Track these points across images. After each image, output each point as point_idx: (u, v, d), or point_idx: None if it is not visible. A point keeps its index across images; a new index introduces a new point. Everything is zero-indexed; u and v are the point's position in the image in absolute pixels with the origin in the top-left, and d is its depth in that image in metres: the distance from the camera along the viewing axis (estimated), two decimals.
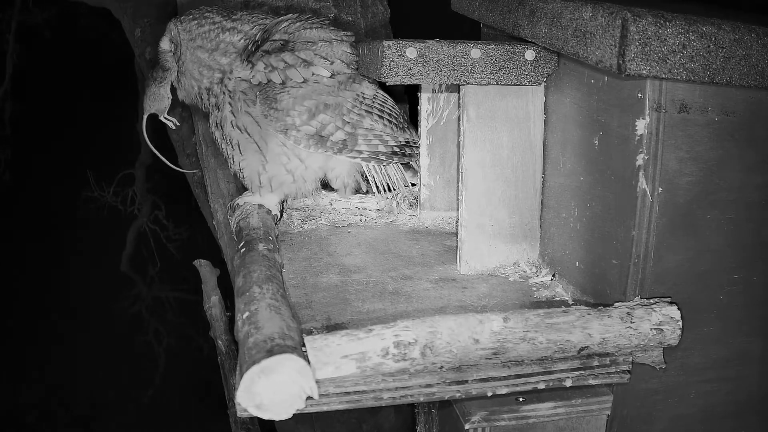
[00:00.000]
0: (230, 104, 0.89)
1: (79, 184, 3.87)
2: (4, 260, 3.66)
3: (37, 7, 3.83)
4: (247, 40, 0.89)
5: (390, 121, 0.94)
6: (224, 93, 0.89)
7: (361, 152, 0.92)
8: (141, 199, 4.01)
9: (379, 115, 0.93)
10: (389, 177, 0.98)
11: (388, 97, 0.96)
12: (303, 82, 0.88)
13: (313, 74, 0.88)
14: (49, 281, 3.74)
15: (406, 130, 0.97)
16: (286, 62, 0.88)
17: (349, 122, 0.90)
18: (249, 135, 0.89)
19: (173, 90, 0.95)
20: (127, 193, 3.97)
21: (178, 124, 1.01)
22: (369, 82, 0.93)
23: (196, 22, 0.89)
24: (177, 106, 0.97)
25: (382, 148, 0.93)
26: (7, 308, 3.52)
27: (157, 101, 0.95)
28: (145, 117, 0.98)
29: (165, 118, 0.98)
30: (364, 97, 0.92)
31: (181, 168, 1.11)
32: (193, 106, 0.94)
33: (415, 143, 0.98)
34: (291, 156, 0.90)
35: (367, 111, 0.92)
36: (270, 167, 0.90)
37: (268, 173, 0.91)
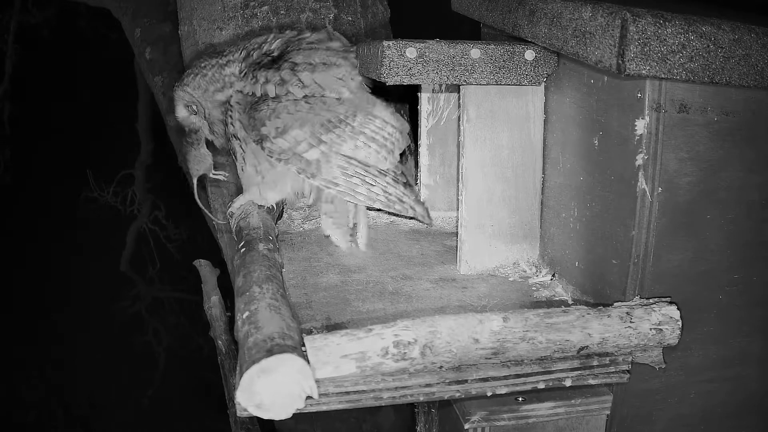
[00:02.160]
0: (230, 116, 0.91)
1: (79, 184, 3.88)
2: (4, 260, 3.67)
3: (37, 8, 3.83)
4: (246, 57, 0.92)
5: (383, 148, 0.89)
6: (228, 109, 0.92)
7: (336, 184, 0.88)
8: (141, 199, 4.01)
9: (366, 141, 0.88)
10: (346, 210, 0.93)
11: (398, 132, 0.91)
12: (275, 98, 0.87)
13: (287, 93, 0.88)
14: (49, 281, 3.74)
15: (407, 186, 0.91)
16: (266, 78, 0.88)
17: (325, 142, 0.87)
18: (239, 140, 0.91)
19: (211, 146, 0.99)
20: (127, 193, 3.97)
21: (227, 175, 1.06)
22: (374, 111, 0.90)
23: (200, 75, 0.92)
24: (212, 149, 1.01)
25: (361, 190, 0.88)
26: (7, 308, 3.53)
27: (201, 162, 0.99)
28: (194, 181, 1.01)
29: (214, 173, 1.02)
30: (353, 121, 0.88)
31: (214, 217, 1.16)
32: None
33: (410, 197, 0.91)
34: (261, 160, 0.90)
35: (351, 134, 0.88)
36: (247, 168, 0.92)
37: (245, 173, 0.93)
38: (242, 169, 0.92)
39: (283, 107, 0.87)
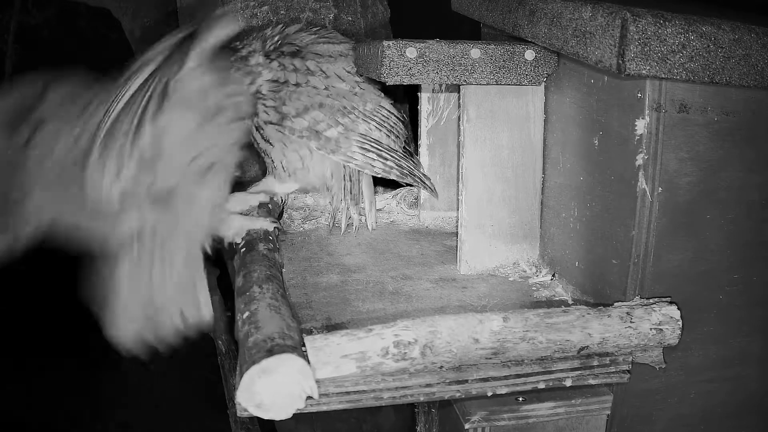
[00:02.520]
0: (263, 104, 0.93)
1: None
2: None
3: (37, 8, 3.82)
4: (265, 45, 0.94)
5: (392, 133, 0.96)
6: (257, 98, 0.93)
7: (355, 159, 0.93)
8: None
9: (378, 125, 0.94)
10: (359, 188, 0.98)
11: (395, 115, 0.97)
12: (296, 84, 0.92)
13: (308, 81, 0.92)
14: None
15: (416, 161, 0.98)
16: (294, 66, 0.92)
17: (342, 124, 0.92)
18: (278, 125, 0.93)
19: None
20: None
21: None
22: (375, 94, 0.95)
23: (233, 69, 0.91)
24: None
25: (378, 163, 0.93)
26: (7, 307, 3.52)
27: None
28: None
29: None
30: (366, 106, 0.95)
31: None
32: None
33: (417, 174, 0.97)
34: (302, 146, 0.94)
35: (364, 119, 0.93)
36: (288, 153, 0.95)
37: (287, 158, 0.95)
38: (283, 154, 0.95)
39: (303, 91, 0.92)
